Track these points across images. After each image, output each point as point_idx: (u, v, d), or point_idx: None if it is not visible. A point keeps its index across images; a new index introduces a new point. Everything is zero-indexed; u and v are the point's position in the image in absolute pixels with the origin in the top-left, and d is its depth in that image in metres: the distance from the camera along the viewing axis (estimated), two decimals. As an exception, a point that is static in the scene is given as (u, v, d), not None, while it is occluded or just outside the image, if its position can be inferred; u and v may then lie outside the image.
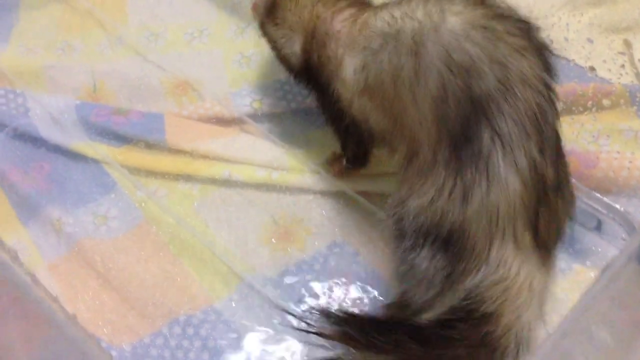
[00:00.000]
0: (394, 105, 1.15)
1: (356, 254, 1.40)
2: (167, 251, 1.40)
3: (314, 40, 1.33)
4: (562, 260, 1.34)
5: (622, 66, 1.72)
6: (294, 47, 1.39)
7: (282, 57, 1.45)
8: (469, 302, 1.05)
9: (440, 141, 1.08)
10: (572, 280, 1.33)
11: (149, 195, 1.47)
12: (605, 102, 1.57)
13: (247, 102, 1.63)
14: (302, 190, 1.49)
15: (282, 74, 1.65)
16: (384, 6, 1.24)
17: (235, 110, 1.61)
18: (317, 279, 1.37)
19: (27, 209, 1.43)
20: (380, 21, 1.19)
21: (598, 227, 1.37)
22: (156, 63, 1.72)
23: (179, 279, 1.36)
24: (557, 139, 1.11)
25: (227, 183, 1.50)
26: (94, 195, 1.47)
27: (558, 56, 1.68)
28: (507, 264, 1.05)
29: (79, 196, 1.47)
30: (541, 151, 1.05)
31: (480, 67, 1.05)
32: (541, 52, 1.11)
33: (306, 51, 1.36)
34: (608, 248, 1.35)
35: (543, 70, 1.09)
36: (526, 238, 1.06)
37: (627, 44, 1.74)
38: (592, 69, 1.66)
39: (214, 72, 1.71)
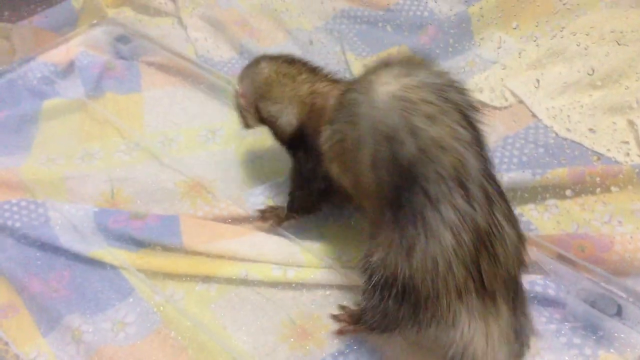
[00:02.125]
0: (350, 170, 1.28)
1: (374, 351, 1.39)
2: (186, 356, 1.39)
3: (312, 112, 1.47)
4: (587, 347, 1.34)
5: (628, 145, 1.74)
6: (290, 118, 1.51)
7: (276, 127, 1.56)
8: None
9: (383, 201, 1.18)
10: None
11: (166, 299, 1.48)
12: (614, 184, 1.58)
13: (260, 200, 1.66)
14: (318, 286, 1.50)
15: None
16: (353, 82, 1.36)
17: (249, 209, 1.64)
18: (338, 377, 1.35)
19: (48, 319, 1.44)
20: (346, 93, 1.29)
21: (619, 312, 1.35)
22: (171, 166, 1.78)
23: (198, 384, 1.35)
24: (490, 182, 1.16)
25: (244, 282, 1.51)
26: (112, 302, 1.48)
27: (565, 139, 1.72)
28: (456, 314, 1.13)
29: (97, 303, 1.48)
30: (468, 202, 1.11)
31: (401, 136, 1.13)
32: (459, 108, 1.17)
33: (302, 121, 1.50)
34: (631, 334, 1.33)
35: (460, 122, 1.15)
36: (470, 288, 1.12)
37: (631, 124, 1.77)
38: (599, 156, 1.68)
39: (227, 172, 1.76)
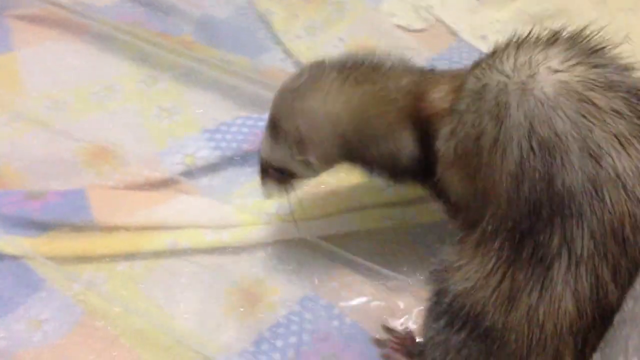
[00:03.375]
0: (473, 176, 0.97)
1: (331, 307, 1.27)
2: (120, 345, 1.21)
3: (427, 124, 1.10)
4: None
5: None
6: (411, 148, 1.12)
7: (390, 169, 1.17)
8: None
9: (505, 223, 0.91)
10: None
11: (85, 286, 1.28)
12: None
13: (178, 159, 1.47)
14: (258, 245, 1.35)
15: (209, 122, 1.52)
16: (480, 62, 1.03)
17: (166, 170, 1.44)
18: (296, 339, 1.23)
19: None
20: (472, 78, 0.99)
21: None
22: (65, 133, 1.53)
23: (139, 375, 1.18)
24: None
25: (174, 253, 1.33)
26: (21, 299, 1.26)
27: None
28: None
29: (4, 303, 1.26)
30: (614, 275, 0.86)
31: (567, 153, 0.85)
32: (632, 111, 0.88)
33: (422, 140, 1.12)
34: None
35: None
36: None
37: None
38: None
39: (133, 132, 1.54)
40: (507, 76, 0.92)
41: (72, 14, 1.77)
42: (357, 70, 1.13)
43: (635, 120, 0.87)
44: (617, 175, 0.84)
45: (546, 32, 0.97)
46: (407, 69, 1.15)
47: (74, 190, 1.39)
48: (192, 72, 1.66)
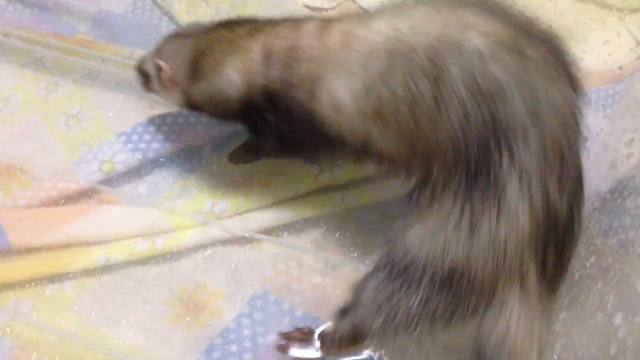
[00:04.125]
0: (411, 133, 1.01)
1: (281, 301, 1.22)
2: (59, 376, 1.11)
3: (271, 63, 1.15)
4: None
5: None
6: (235, 84, 1.19)
7: (220, 104, 1.23)
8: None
9: (455, 167, 0.96)
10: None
11: (11, 317, 1.17)
12: None
13: (94, 167, 1.35)
14: (196, 248, 1.27)
15: (123, 125, 1.42)
16: (375, 15, 1.08)
17: (83, 181, 1.33)
18: (250, 342, 1.18)
19: None
20: (377, 35, 1.03)
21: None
22: (-40, 153, 1.38)
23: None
24: (580, 168, 0.99)
25: (106, 269, 1.24)
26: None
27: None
28: (510, 308, 0.95)
29: None
30: (560, 186, 0.94)
31: (508, 93, 0.94)
32: (568, 72, 1.00)
33: (255, 82, 1.17)
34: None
35: (571, 94, 0.98)
36: (532, 279, 0.95)
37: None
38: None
39: (40, 145, 1.41)
40: (436, 39, 0.97)
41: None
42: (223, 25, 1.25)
43: (551, 63, 0.98)
44: (552, 101, 0.94)
45: None
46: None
47: (-18, 214, 1.26)
48: (95, 73, 1.53)
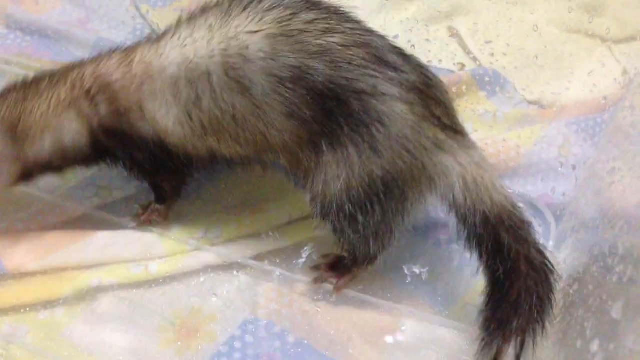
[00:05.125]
0: (245, 138, 1.16)
1: (272, 325, 1.24)
2: (51, 400, 1.13)
3: (97, 102, 1.21)
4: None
5: (453, 52, 1.72)
6: (74, 135, 1.23)
7: (69, 153, 1.25)
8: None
9: (313, 137, 1.12)
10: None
11: (6, 340, 1.18)
12: (457, 93, 1.56)
13: (91, 192, 1.38)
14: (190, 274, 1.29)
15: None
16: (163, 42, 1.19)
17: (80, 205, 1.36)
18: (241, 366, 1.19)
19: None
20: (173, 66, 1.15)
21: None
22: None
23: None
24: (395, 49, 1.17)
25: (99, 293, 1.25)
26: None
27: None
28: (449, 166, 1.12)
29: None
30: (395, 69, 1.11)
31: (308, 67, 1.09)
32: (329, 10, 1.16)
33: (92, 123, 1.22)
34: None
35: (343, 21, 1.15)
36: (442, 137, 1.12)
37: (453, 30, 1.76)
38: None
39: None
40: (223, 55, 1.11)
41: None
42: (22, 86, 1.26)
43: (319, 20, 1.13)
44: (340, 45, 1.11)
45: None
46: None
47: (-22, 239, 1.28)
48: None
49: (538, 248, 1.12)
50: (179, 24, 1.20)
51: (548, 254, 1.12)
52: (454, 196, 1.13)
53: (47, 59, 1.67)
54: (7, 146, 1.22)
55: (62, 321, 1.23)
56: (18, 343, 1.18)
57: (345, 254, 1.25)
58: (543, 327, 1.05)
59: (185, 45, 1.15)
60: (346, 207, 1.13)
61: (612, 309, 0.72)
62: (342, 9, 1.17)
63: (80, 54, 1.70)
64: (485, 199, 1.13)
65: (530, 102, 1.58)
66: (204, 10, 1.20)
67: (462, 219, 1.14)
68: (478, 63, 1.64)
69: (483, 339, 1.09)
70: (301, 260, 1.30)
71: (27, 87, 1.24)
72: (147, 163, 1.26)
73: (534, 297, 1.07)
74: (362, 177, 1.11)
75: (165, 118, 1.17)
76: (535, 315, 1.06)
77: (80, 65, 1.26)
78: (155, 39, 1.23)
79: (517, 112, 1.55)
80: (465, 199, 1.13)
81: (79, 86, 1.22)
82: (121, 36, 1.75)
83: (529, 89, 1.59)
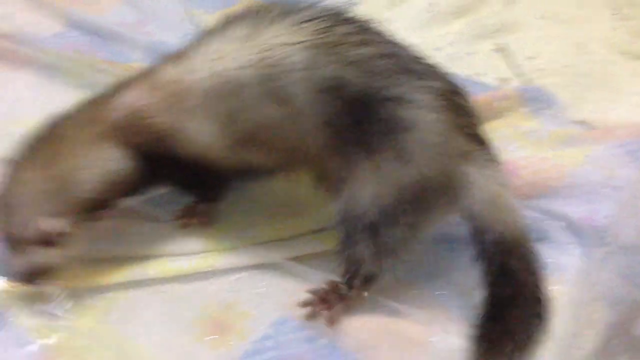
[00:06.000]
0: (283, 145, 1.17)
1: (304, 326, 1.25)
2: (86, 383, 1.16)
3: (134, 129, 1.20)
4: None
5: (499, 69, 1.73)
6: (122, 162, 1.21)
7: (117, 184, 1.22)
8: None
9: (345, 146, 1.13)
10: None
11: (49, 320, 1.22)
12: (503, 109, 1.56)
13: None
14: (226, 271, 1.32)
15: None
16: (190, 57, 1.19)
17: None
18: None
19: None
20: (204, 81, 1.16)
21: (541, 237, 1.32)
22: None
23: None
24: (423, 59, 1.18)
25: (138, 284, 1.29)
26: (-22, 337, 1.19)
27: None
28: (472, 178, 1.13)
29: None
30: (422, 78, 1.13)
31: (344, 78, 1.11)
32: (361, 24, 1.20)
33: (134, 149, 1.21)
34: (560, 256, 1.30)
35: (374, 34, 1.19)
36: (467, 146, 1.14)
37: (501, 48, 1.76)
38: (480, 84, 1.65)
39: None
40: (260, 66, 1.12)
41: (15, 45, 1.72)
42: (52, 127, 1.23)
43: (351, 33, 1.16)
44: (371, 55, 1.13)
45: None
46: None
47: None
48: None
49: (544, 283, 1.13)
50: (202, 38, 1.21)
51: (551, 289, 1.14)
52: (473, 209, 1.14)
53: (102, 58, 1.73)
54: (65, 206, 1.17)
55: (105, 307, 1.26)
56: (59, 324, 1.21)
57: (338, 280, 1.23)
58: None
59: (216, 58, 1.16)
60: (371, 215, 1.13)
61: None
62: (372, 23, 1.21)
63: (133, 54, 1.76)
64: (504, 220, 1.14)
65: (575, 122, 1.58)
66: (229, 21, 1.21)
67: (476, 234, 1.15)
68: (521, 78, 1.64)
69: (473, 353, 1.10)
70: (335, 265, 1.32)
71: (55, 138, 1.20)
72: (189, 179, 1.29)
73: (532, 330, 1.09)
74: (392, 185, 1.11)
75: (202, 135, 1.18)
76: (528, 345, 1.08)
77: (106, 97, 1.24)
78: (178, 55, 1.22)
79: (562, 132, 1.54)
80: (484, 215, 1.14)
81: (110, 120, 1.20)
82: (173, 39, 1.80)
83: (573, 107, 1.59)
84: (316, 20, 1.15)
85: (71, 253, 1.20)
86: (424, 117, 1.10)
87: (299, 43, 1.12)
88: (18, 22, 1.83)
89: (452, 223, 1.25)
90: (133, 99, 1.21)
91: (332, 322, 1.21)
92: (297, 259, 1.33)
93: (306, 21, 1.15)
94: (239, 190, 1.43)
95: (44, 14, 1.88)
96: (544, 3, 1.87)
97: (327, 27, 1.14)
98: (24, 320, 1.21)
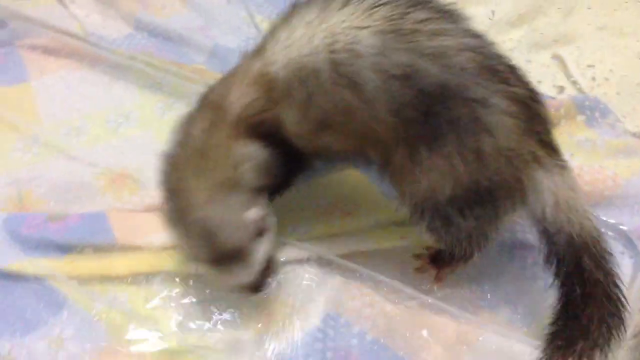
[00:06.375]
0: (356, 128, 1.16)
1: (352, 321, 1.28)
2: (144, 362, 1.22)
3: (256, 122, 1.23)
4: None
5: (556, 78, 1.72)
6: (257, 147, 1.24)
7: (268, 169, 1.25)
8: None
9: (413, 138, 1.12)
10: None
11: (109, 305, 1.29)
12: (557, 118, 1.56)
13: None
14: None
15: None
16: (268, 49, 1.20)
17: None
18: (320, 356, 1.24)
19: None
20: (283, 69, 1.16)
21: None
22: (83, 159, 1.55)
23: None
24: (504, 59, 1.16)
25: (191, 274, 1.34)
26: (43, 318, 1.27)
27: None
28: (542, 184, 1.14)
29: (26, 322, 1.26)
30: (505, 81, 1.12)
31: (420, 68, 1.09)
32: (440, 10, 1.15)
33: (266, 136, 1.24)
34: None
35: (454, 22, 1.15)
36: (541, 152, 1.14)
37: (558, 57, 1.76)
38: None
39: (150, 158, 1.55)
40: (329, 51, 1.11)
41: (86, 45, 1.80)
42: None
43: (430, 19, 1.13)
44: (450, 48, 1.10)
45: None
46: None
47: (95, 213, 1.41)
48: (206, 98, 1.69)
49: (616, 281, 1.13)
50: (274, 28, 1.22)
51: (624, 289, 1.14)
52: (544, 213, 1.15)
53: (168, 59, 1.80)
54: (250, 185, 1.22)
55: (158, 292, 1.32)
56: (118, 309, 1.28)
57: (444, 248, 1.27)
58: (605, 357, 1.08)
59: (288, 46, 1.16)
60: (444, 210, 1.15)
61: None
62: (451, 11, 1.17)
63: (198, 57, 1.83)
64: (574, 222, 1.15)
65: (631, 133, 1.56)
66: (295, 8, 1.20)
67: (547, 236, 1.16)
68: (578, 87, 1.64)
69: (544, 350, 1.12)
70: (386, 264, 1.34)
71: (196, 152, 1.23)
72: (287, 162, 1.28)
73: (604, 327, 1.10)
74: (467, 185, 1.12)
75: (289, 121, 1.20)
76: (601, 343, 1.09)
77: (217, 101, 1.25)
78: (258, 50, 1.24)
79: (617, 142, 1.54)
80: (555, 218, 1.15)
81: (228, 122, 1.22)
82: (235, 43, 1.86)
83: (630, 118, 1.57)
84: (389, 5, 1.13)
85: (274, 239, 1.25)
86: (504, 122, 1.10)
87: (368, 27, 1.10)
88: (90, 24, 1.92)
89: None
90: (238, 99, 1.22)
91: (438, 281, 1.31)
92: (346, 257, 1.35)
93: (378, 5, 1.13)
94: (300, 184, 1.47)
95: (114, 17, 1.97)
96: (605, 15, 1.86)
97: (401, 12, 1.12)
98: (86, 304, 1.29)
